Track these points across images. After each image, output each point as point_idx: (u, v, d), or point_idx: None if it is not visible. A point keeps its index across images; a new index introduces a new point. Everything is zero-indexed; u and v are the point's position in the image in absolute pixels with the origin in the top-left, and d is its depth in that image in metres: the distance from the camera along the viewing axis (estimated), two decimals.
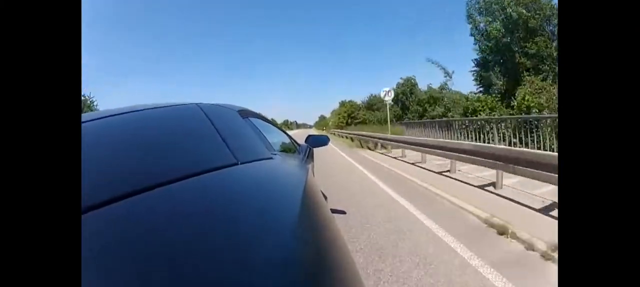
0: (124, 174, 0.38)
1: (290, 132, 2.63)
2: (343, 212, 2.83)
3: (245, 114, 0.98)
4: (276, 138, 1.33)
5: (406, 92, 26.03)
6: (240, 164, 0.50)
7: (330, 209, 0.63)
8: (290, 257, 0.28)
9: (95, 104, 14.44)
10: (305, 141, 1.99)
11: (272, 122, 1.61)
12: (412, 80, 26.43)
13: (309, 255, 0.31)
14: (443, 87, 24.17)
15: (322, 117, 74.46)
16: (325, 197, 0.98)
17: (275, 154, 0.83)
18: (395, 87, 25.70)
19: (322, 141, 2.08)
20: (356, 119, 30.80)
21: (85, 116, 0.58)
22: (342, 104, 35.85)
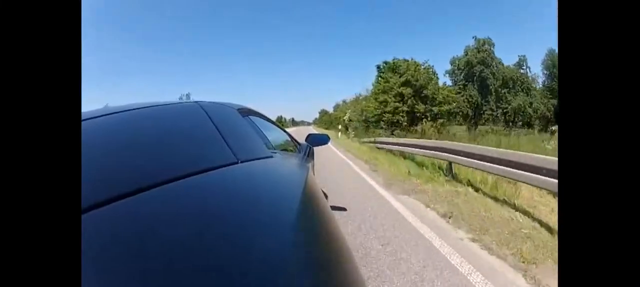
0: (123, 173, 0.38)
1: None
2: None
3: (245, 112, 0.98)
4: (276, 136, 1.34)
5: (486, 61, 13.20)
6: (241, 162, 0.50)
7: (331, 207, 0.63)
8: (291, 255, 0.28)
9: None
10: (306, 140, 2.00)
11: (272, 121, 1.61)
12: (489, 45, 13.33)
13: (310, 253, 0.31)
14: (522, 62, 12.34)
15: (324, 112, 61.40)
16: (326, 196, 0.98)
17: (275, 153, 0.83)
18: (462, 54, 13.14)
19: (322, 140, 2.09)
20: (434, 103, 13.92)
21: (84, 114, 0.58)
22: (391, 68, 15.89)
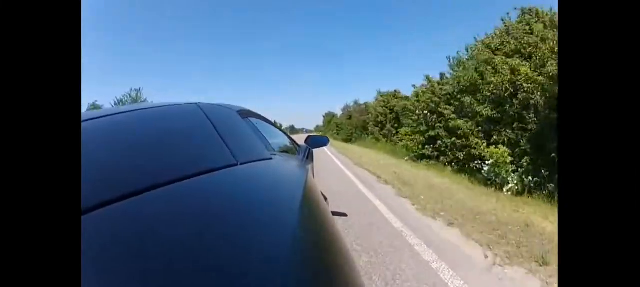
0: (123, 174, 0.38)
1: None
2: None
3: (245, 114, 0.98)
4: (276, 139, 1.33)
5: None
6: (240, 164, 0.50)
7: (331, 212, 0.62)
8: (290, 258, 0.28)
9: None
10: (305, 142, 2.00)
11: (272, 123, 1.61)
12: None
13: (309, 256, 0.31)
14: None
15: (331, 116, 46.09)
16: (326, 199, 0.98)
17: (275, 155, 0.83)
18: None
19: (321, 142, 2.09)
20: None
21: (84, 115, 0.58)
22: None
